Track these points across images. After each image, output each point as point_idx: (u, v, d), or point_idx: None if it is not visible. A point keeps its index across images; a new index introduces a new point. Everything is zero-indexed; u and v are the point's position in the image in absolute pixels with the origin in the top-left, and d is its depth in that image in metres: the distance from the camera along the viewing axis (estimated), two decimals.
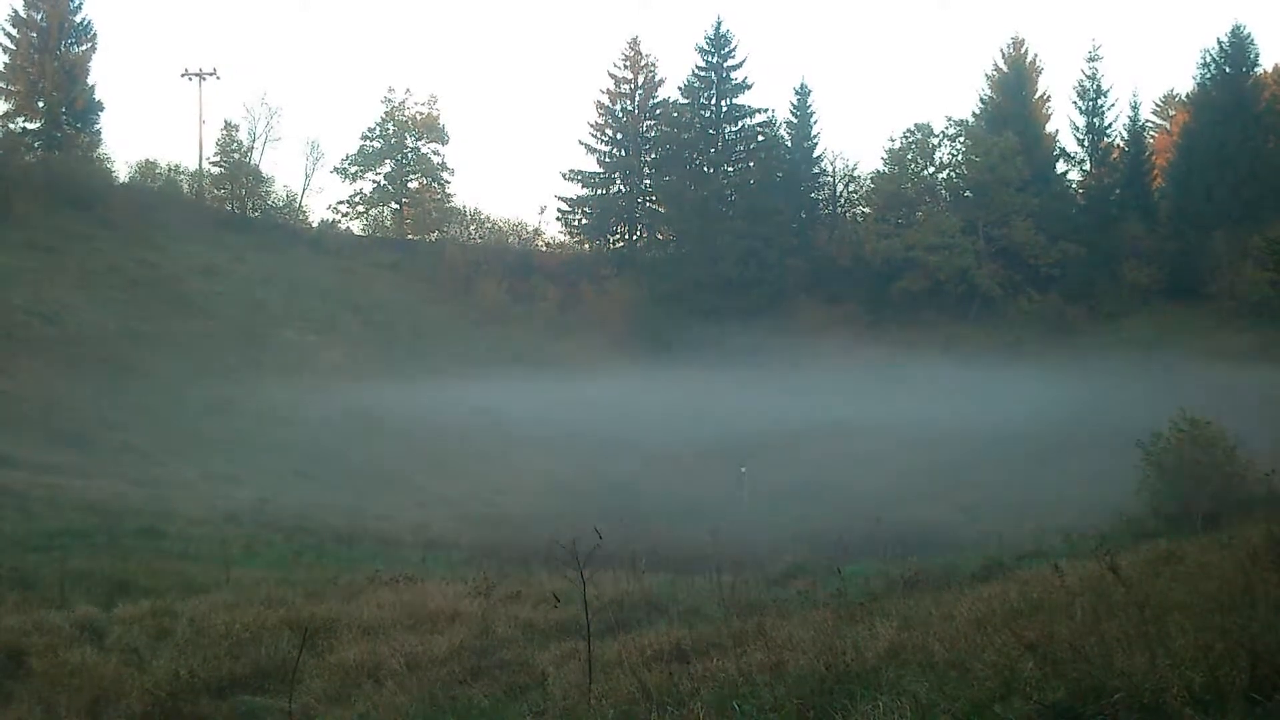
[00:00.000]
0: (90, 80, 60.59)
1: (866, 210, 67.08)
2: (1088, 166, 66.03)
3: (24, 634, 11.06)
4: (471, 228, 68.26)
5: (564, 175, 66.26)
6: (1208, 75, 60.89)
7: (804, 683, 6.75)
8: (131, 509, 22.29)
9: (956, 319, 57.07)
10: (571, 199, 66.24)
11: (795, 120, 66.45)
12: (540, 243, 69.01)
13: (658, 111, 65.71)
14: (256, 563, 18.04)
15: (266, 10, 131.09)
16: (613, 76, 66.30)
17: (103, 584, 14.65)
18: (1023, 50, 64.96)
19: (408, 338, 50.74)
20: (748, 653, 8.27)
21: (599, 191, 66.24)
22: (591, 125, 65.85)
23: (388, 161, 68.19)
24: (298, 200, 67.27)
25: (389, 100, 68.35)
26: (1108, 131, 65.70)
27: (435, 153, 68.76)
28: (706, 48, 64.10)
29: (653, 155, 66.21)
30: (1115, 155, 65.49)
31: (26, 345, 37.07)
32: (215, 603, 13.18)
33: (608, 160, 65.97)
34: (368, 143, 68.17)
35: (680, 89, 65.25)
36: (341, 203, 68.73)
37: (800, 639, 8.55)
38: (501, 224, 68.79)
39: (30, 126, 59.47)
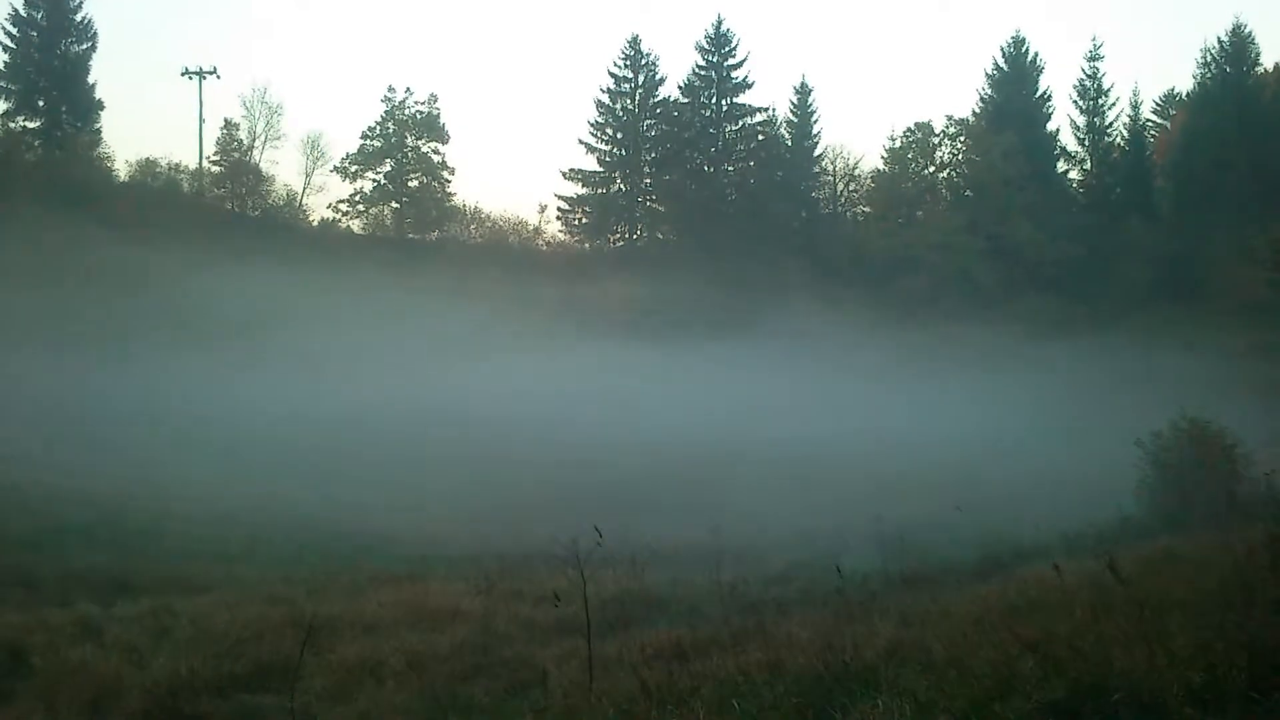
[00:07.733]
0: (90, 79, 60.53)
1: (867, 209, 67.07)
2: (1088, 166, 66.08)
3: (25, 632, 11.08)
4: (472, 226, 68.24)
5: (564, 174, 66.21)
6: (1208, 74, 61.01)
7: (803, 681, 6.76)
8: (132, 507, 22.31)
9: (956, 318, 57.03)
10: (572, 198, 66.22)
11: (796, 119, 66.44)
12: (540, 242, 68.91)
13: (658, 110, 65.65)
14: (257, 562, 18.06)
15: (266, 9, 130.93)
16: (613, 75, 66.28)
17: (104, 582, 14.68)
18: (1023, 49, 64.95)
19: (407, 337, 50.70)
20: (747, 651, 8.29)
21: (599, 190, 66.15)
22: (592, 124, 65.87)
23: (388, 160, 68.02)
24: (298, 199, 67.16)
25: (389, 99, 68.27)
26: (1108, 130, 65.84)
27: (435, 152, 68.62)
28: (707, 46, 64.14)
29: (653, 154, 66.13)
30: (1116, 154, 65.52)
31: (28, 343, 37.10)
32: (216, 601, 13.22)
33: (608, 159, 65.88)
34: (368, 142, 68.05)
35: (680, 88, 65.33)
36: (342, 202, 68.52)
37: (799, 637, 8.58)
38: (502, 223, 68.74)
39: (30, 125, 59.36)
